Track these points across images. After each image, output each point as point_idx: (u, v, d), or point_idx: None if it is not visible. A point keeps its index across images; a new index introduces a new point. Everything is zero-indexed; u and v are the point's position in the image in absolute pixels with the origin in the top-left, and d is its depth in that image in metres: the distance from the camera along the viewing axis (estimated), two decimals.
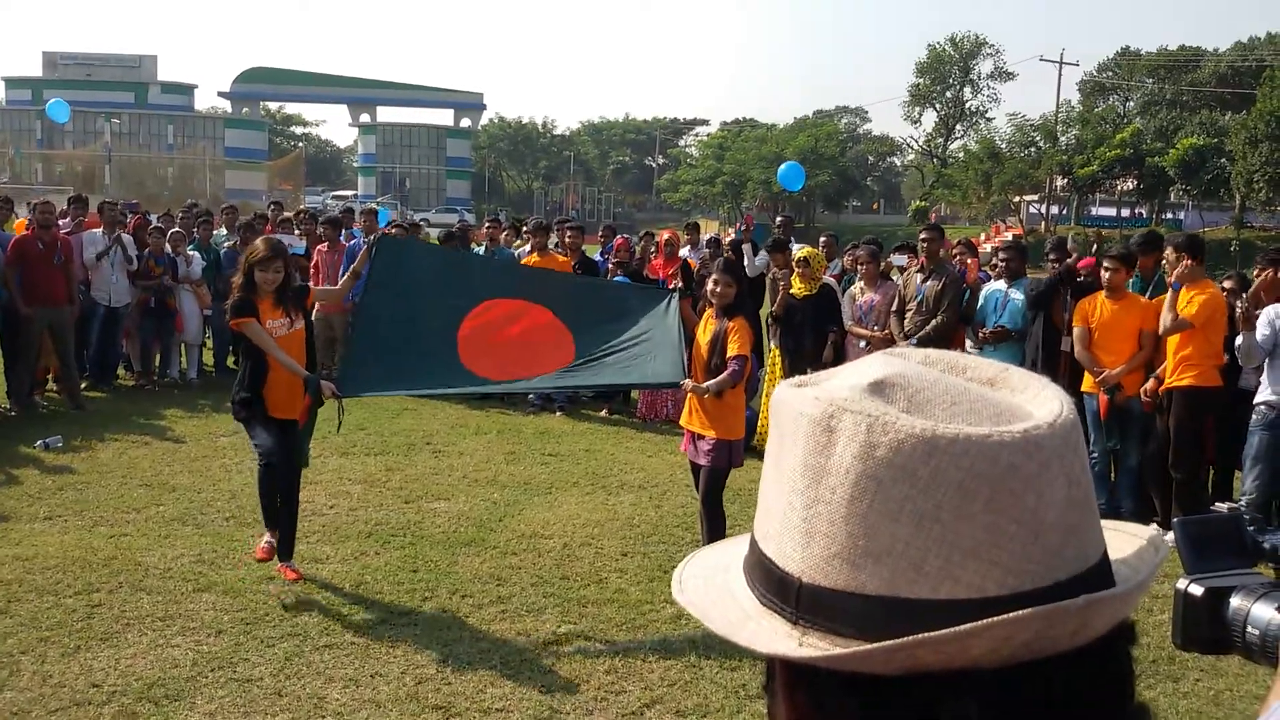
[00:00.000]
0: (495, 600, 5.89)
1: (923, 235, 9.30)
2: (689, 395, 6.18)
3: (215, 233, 13.43)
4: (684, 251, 12.56)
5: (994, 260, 9.08)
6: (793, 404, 0.81)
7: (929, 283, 8.78)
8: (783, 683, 0.82)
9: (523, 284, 6.72)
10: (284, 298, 5.93)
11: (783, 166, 13.75)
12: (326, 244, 12.47)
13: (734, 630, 0.81)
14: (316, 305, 7.06)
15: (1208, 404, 7.42)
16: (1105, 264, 7.73)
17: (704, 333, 6.22)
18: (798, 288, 9.29)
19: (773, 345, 9.78)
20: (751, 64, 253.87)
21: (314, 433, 6.32)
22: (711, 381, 5.94)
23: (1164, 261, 7.80)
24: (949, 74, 70.13)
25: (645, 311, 6.44)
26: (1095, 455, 7.80)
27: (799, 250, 9.82)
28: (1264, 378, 7.04)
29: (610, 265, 11.57)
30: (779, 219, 13.53)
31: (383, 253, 6.32)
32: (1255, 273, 7.83)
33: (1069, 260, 8.50)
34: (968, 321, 8.74)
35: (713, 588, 0.87)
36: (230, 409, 6.22)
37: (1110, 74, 70.61)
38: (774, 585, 0.80)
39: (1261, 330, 6.90)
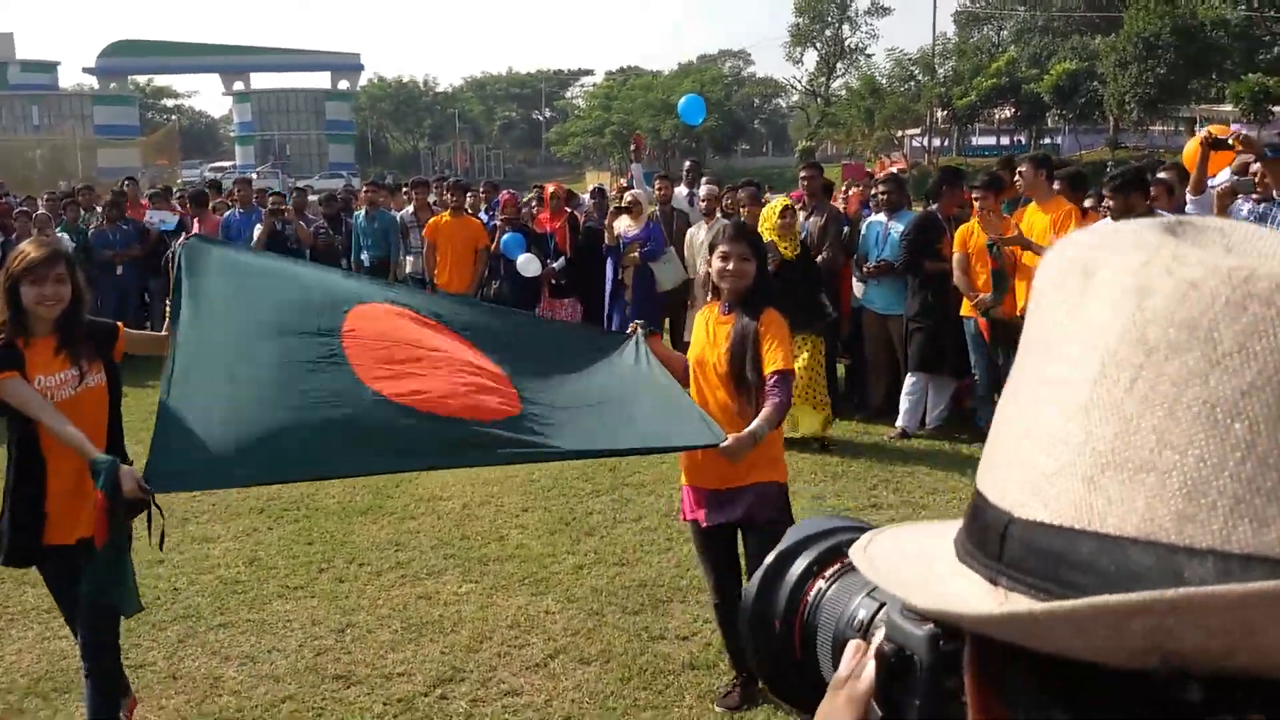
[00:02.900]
0: (394, 565, 5.84)
1: (803, 173, 9.39)
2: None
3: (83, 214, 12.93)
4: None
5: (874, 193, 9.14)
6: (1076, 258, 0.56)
7: (811, 219, 8.87)
8: (972, 680, 0.59)
9: (401, 293, 4.69)
10: (71, 337, 3.74)
11: (682, 100, 13.26)
12: (196, 221, 12.08)
13: (913, 588, 0.60)
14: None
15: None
16: (974, 195, 7.79)
17: (709, 338, 4.18)
18: (784, 247, 7.53)
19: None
20: (633, 9, 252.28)
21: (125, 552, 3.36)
22: (755, 423, 3.85)
23: (1017, 178, 7.91)
24: (827, 12, 70.42)
25: (606, 356, 4.26)
26: (977, 376, 8.03)
27: (777, 200, 8.42)
28: None
29: (499, 223, 11.40)
30: (688, 163, 13.46)
31: (192, 264, 3.86)
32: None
33: (933, 207, 8.52)
34: (850, 255, 8.86)
35: (905, 552, 0.65)
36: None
37: (984, 4, 71.73)
38: (977, 532, 0.57)
39: None
